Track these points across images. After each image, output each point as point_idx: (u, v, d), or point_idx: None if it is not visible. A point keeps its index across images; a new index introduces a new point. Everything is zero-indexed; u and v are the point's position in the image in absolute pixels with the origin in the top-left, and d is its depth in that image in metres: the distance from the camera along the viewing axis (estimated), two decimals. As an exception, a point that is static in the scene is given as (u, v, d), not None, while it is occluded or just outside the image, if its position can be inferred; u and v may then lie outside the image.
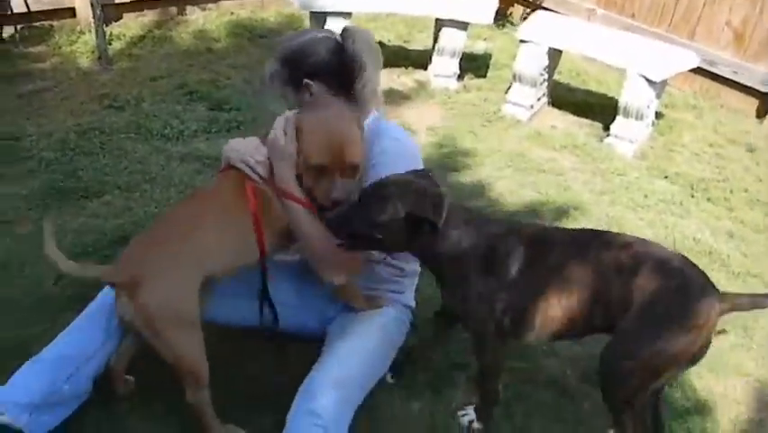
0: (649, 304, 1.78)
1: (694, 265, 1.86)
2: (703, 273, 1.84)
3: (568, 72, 5.37)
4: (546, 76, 4.65)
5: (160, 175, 3.51)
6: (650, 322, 1.78)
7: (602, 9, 5.80)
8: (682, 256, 1.88)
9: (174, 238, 1.93)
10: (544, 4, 6.04)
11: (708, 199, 3.93)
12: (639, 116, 4.19)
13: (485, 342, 2.03)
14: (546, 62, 4.50)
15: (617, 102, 4.31)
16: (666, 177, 4.11)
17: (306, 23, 5.12)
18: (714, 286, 1.82)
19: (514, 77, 4.57)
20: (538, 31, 4.48)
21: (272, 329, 2.23)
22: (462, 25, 4.77)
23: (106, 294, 2.18)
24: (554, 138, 4.39)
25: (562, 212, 3.58)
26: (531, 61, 4.44)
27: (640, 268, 1.81)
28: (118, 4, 5.27)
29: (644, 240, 1.97)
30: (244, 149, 2.05)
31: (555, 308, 1.89)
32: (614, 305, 1.83)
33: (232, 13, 5.76)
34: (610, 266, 1.83)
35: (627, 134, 4.27)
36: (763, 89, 4.95)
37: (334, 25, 4.53)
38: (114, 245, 2.94)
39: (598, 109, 4.82)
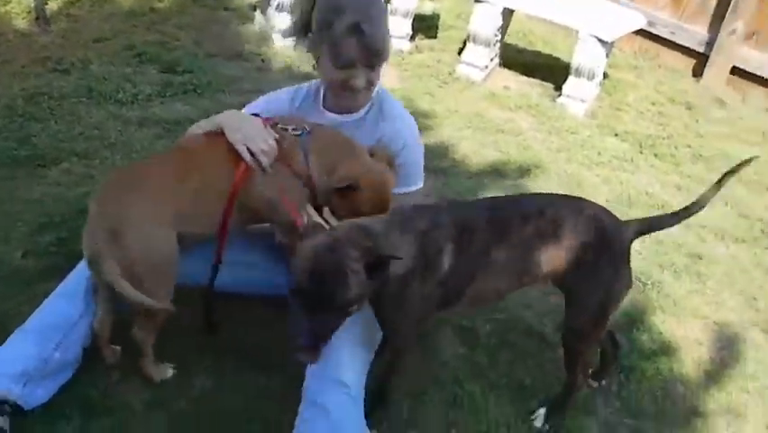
0: (583, 259, 1.88)
1: (600, 207, 1.98)
2: (607, 211, 1.97)
3: (516, 33, 5.46)
4: (499, 36, 4.72)
5: (119, 141, 3.38)
6: (592, 274, 1.90)
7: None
8: (587, 202, 1.98)
9: (155, 188, 1.91)
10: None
11: (656, 156, 4.13)
12: (590, 76, 4.33)
13: (406, 340, 1.98)
14: (500, 23, 4.56)
15: (565, 63, 4.44)
16: (616, 135, 4.29)
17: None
18: (619, 219, 1.97)
19: (468, 37, 4.61)
20: (492, -9, 4.53)
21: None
22: (415, -15, 4.76)
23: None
24: (509, 98, 4.49)
25: (524, 171, 3.69)
26: (486, 21, 4.49)
27: (560, 230, 1.88)
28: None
29: (551, 198, 2.06)
30: (250, 132, 1.97)
31: (486, 290, 1.93)
32: (544, 270, 1.92)
33: (171, -28, 5.53)
34: (534, 239, 1.88)
35: (579, 94, 4.41)
36: (699, 49, 5.18)
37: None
38: (82, 215, 2.82)
39: (547, 69, 4.94)
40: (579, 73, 4.35)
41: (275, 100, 2.24)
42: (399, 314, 1.85)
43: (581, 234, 1.88)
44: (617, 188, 3.69)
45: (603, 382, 2.39)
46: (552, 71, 4.86)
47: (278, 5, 4.57)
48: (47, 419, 1.99)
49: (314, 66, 2.10)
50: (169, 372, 2.19)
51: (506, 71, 4.92)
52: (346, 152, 2.00)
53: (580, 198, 2.02)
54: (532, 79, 4.84)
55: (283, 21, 4.58)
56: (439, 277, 1.81)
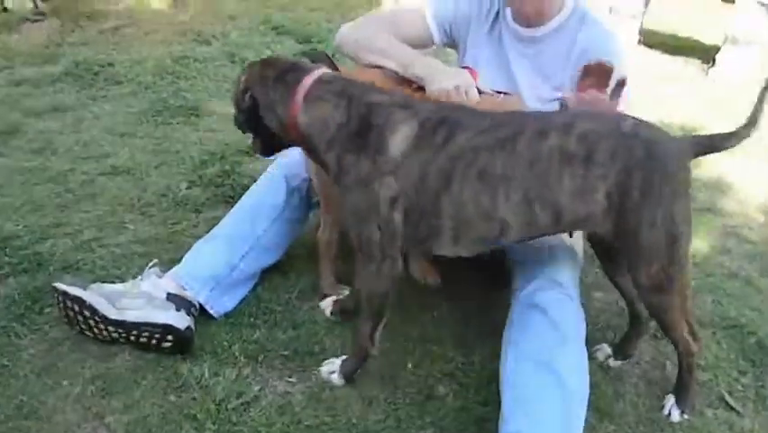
0: (629, 187, 1.43)
1: (644, 122, 1.50)
2: (652, 125, 1.51)
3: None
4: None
5: (266, 97, 3.32)
6: (647, 204, 1.43)
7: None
8: (624, 115, 1.54)
9: None
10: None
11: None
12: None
13: (370, 253, 1.56)
14: None
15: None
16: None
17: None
18: (668, 133, 1.52)
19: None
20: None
21: None
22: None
23: (275, 176, 2.01)
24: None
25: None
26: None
27: (593, 155, 1.43)
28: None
29: (578, 114, 1.57)
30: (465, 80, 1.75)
31: (470, 209, 1.49)
32: (571, 204, 1.46)
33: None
34: (553, 158, 1.44)
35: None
36: None
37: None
38: (240, 153, 2.76)
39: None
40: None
41: (461, 5, 1.98)
42: (345, 202, 1.56)
43: (621, 157, 1.42)
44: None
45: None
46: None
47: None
48: (232, 327, 1.85)
49: None
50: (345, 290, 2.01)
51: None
52: None
53: (616, 114, 1.57)
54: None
55: None
56: (385, 161, 1.48)
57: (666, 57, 4.59)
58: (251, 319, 1.90)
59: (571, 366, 1.54)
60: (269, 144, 1.69)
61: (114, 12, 4.30)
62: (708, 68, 4.31)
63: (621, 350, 1.85)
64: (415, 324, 1.93)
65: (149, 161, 2.67)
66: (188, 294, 1.82)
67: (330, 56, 1.79)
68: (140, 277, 1.84)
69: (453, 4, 1.99)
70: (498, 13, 1.94)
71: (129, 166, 2.61)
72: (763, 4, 3.97)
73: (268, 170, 2.07)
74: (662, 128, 1.52)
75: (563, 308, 1.65)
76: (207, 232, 2.07)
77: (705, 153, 1.53)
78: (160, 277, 1.83)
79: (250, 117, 1.62)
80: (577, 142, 1.44)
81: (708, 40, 4.80)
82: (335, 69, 1.73)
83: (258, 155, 1.75)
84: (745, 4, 4.03)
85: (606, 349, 1.87)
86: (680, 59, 4.50)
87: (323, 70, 1.60)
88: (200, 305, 1.84)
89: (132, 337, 1.72)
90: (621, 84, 1.63)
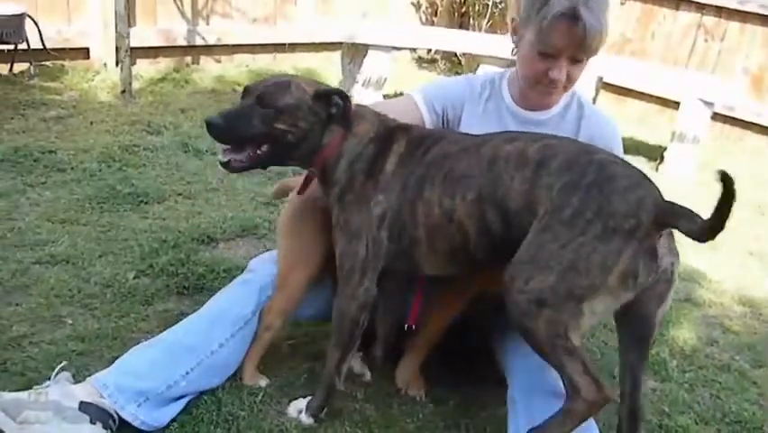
0: (561, 204, 1.37)
1: (623, 163, 1.45)
2: (633, 173, 1.41)
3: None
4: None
5: (221, 186, 3.16)
6: (561, 225, 1.35)
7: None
8: (611, 154, 1.49)
9: None
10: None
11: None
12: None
13: (351, 274, 1.59)
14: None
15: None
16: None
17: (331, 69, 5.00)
18: (645, 188, 1.37)
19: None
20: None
21: None
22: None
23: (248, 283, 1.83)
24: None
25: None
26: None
27: (548, 162, 1.42)
28: (133, 49, 5.03)
29: (558, 137, 1.56)
30: None
31: (435, 211, 1.52)
32: (513, 207, 1.44)
33: (247, 66, 5.60)
34: (507, 162, 1.47)
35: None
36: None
37: (374, 60, 4.43)
38: (195, 242, 2.54)
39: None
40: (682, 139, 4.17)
41: (452, 84, 1.99)
42: (339, 220, 1.60)
43: (572, 171, 1.38)
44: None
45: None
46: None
47: (365, 82, 4.52)
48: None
49: (513, 50, 1.85)
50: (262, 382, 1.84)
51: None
52: None
53: (602, 150, 1.50)
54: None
55: (371, 98, 4.52)
56: (381, 180, 1.58)
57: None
58: (211, 428, 1.64)
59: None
60: (258, 160, 1.62)
61: (59, 101, 4.11)
62: (658, 165, 4.42)
63: None
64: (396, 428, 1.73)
65: (92, 249, 2.42)
66: (106, 403, 1.54)
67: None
68: (47, 383, 1.56)
69: (441, 88, 1.97)
70: (490, 94, 1.89)
71: (69, 254, 2.35)
72: (706, 103, 4.15)
73: (242, 275, 1.86)
74: (647, 178, 1.41)
75: None
76: (158, 327, 1.85)
77: (666, 222, 1.34)
78: (71, 382, 1.57)
79: (276, 136, 1.58)
80: (537, 150, 1.46)
81: (652, 140, 4.97)
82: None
83: (229, 170, 1.62)
84: (689, 104, 4.20)
85: None
86: (629, 158, 4.60)
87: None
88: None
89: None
90: None
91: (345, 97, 1.61)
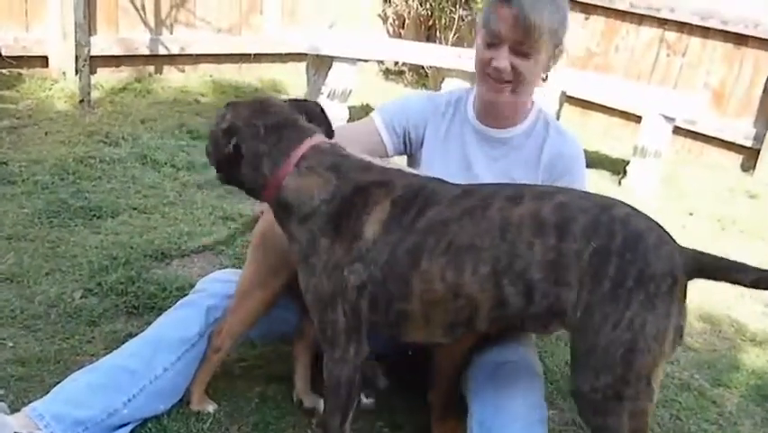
0: (599, 274, 1.26)
1: (639, 212, 1.35)
2: (649, 218, 1.33)
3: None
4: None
5: (179, 200, 3.08)
6: (612, 300, 1.25)
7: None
8: (618, 202, 1.36)
9: None
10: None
11: (741, 232, 3.87)
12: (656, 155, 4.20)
13: (335, 339, 1.45)
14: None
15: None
16: (691, 214, 4.08)
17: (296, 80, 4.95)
18: (669, 234, 1.32)
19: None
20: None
21: None
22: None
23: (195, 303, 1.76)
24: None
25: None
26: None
27: (567, 224, 1.29)
28: (93, 58, 4.92)
29: (564, 189, 1.44)
30: None
31: (437, 285, 1.35)
32: (537, 278, 1.30)
33: (211, 76, 5.51)
34: (523, 225, 1.31)
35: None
36: (746, 144, 5.12)
37: (339, 71, 4.39)
38: (148, 259, 2.46)
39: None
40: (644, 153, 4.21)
41: (414, 102, 1.94)
42: (309, 285, 1.44)
43: (599, 235, 1.26)
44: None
45: None
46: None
47: (330, 94, 4.47)
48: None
49: None
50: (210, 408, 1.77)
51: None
52: None
53: (609, 198, 1.38)
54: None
55: (336, 109, 4.47)
56: (358, 246, 1.38)
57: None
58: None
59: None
60: (233, 182, 1.55)
61: (13, 111, 3.98)
62: (620, 178, 4.45)
63: None
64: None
65: (39, 266, 2.33)
66: None
67: (323, 109, 1.61)
68: None
69: (402, 107, 1.93)
70: (454, 113, 1.87)
71: (14, 272, 2.26)
72: (667, 118, 4.19)
73: (189, 296, 1.79)
74: (656, 223, 1.32)
75: None
76: (104, 349, 1.77)
77: (709, 275, 1.32)
78: (7, 413, 1.49)
79: (225, 162, 1.48)
80: (552, 211, 1.30)
81: (616, 154, 5.01)
82: (329, 125, 1.59)
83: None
84: (650, 119, 4.23)
85: None
86: (593, 172, 4.62)
87: (321, 138, 1.49)
88: None
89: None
90: None
91: (243, 141, 1.44)
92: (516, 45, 1.67)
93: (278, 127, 1.47)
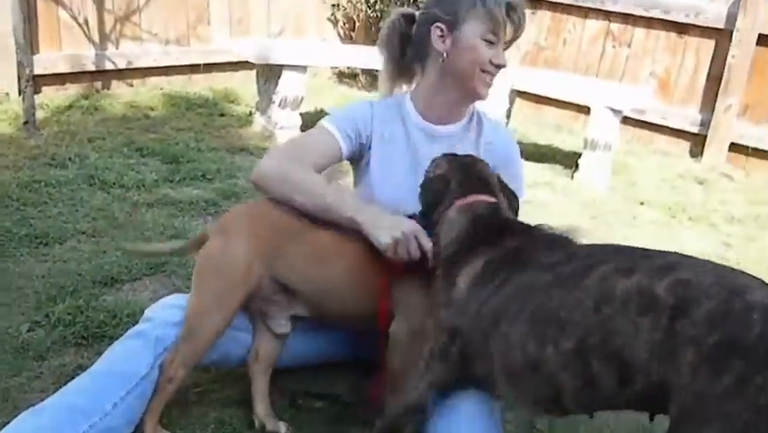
0: (719, 370, 1.01)
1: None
2: None
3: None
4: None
5: (128, 221, 3.03)
6: (731, 400, 1.00)
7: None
8: (750, 280, 1.12)
9: None
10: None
11: (690, 219, 3.98)
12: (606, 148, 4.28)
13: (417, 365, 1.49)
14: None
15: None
16: (642, 203, 4.16)
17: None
18: None
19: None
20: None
21: None
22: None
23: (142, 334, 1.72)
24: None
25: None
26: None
27: (686, 307, 1.07)
28: (37, 77, 4.81)
29: (691, 260, 1.19)
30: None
31: (516, 354, 1.28)
32: (637, 359, 1.12)
33: (161, 89, 5.44)
34: (627, 302, 1.14)
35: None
36: (693, 130, 5.25)
37: (289, 79, 4.37)
38: (97, 285, 2.43)
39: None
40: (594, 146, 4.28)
41: (357, 108, 1.97)
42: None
43: (726, 325, 1.04)
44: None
45: None
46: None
47: (281, 102, 4.45)
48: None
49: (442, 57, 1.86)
50: None
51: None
52: None
53: (740, 273, 1.16)
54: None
55: (288, 117, 4.46)
56: (451, 295, 1.46)
57: (532, 164, 4.78)
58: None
59: None
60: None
61: (-47, 136, 3.88)
62: (573, 172, 4.51)
63: None
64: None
65: (-19, 301, 2.27)
66: None
67: (507, 185, 1.74)
68: None
69: (348, 113, 1.97)
70: (394, 116, 1.94)
71: (-45, 310, 2.20)
72: (615, 111, 4.27)
73: (136, 326, 1.74)
74: None
75: None
76: (53, 384, 1.73)
77: None
78: None
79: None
80: (668, 288, 1.10)
81: (567, 147, 5.08)
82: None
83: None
84: (598, 112, 4.31)
85: None
86: (546, 166, 4.69)
87: (490, 200, 1.62)
88: None
89: None
90: None
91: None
92: (507, 42, 1.87)
93: (475, 177, 1.66)
